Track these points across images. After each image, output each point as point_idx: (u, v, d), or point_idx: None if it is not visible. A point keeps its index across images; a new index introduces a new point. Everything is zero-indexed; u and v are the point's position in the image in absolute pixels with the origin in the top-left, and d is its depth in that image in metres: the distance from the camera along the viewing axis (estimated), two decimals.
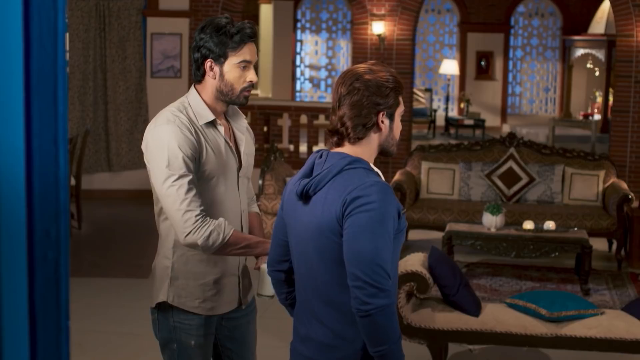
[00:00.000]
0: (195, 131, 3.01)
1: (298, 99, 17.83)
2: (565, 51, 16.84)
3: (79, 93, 10.12)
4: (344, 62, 18.23)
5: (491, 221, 7.03)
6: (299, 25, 18.18)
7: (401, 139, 9.76)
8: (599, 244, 8.11)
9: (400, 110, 2.54)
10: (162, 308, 3.13)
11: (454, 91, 18.16)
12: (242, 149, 3.17)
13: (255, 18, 17.37)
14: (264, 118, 11.16)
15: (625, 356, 4.98)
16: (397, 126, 2.55)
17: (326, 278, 2.48)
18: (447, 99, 17.53)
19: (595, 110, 15.48)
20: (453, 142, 10.92)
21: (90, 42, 10.16)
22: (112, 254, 7.97)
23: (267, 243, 3.04)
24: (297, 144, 11.21)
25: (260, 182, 7.83)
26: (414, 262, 4.89)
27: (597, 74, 16.48)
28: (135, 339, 5.62)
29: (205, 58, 3.04)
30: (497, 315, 4.79)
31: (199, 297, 3.09)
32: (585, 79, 17.59)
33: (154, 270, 3.18)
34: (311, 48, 18.36)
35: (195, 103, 3.06)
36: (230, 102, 3.10)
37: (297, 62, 18.26)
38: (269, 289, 3.11)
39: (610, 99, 13.74)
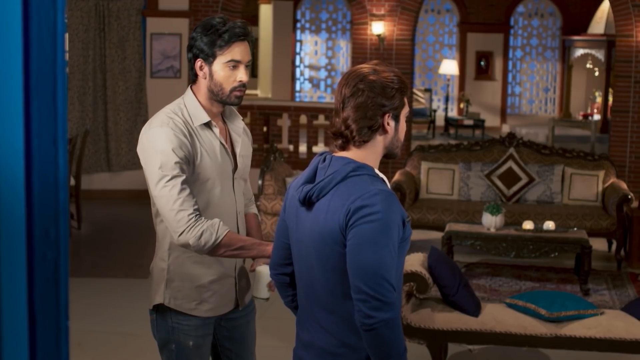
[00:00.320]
0: (190, 133, 2.99)
1: (298, 99, 17.83)
2: (565, 51, 16.84)
3: (79, 93, 10.12)
4: (343, 62, 18.23)
5: (491, 221, 7.03)
6: (298, 25, 18.18)
7: None
8: (599, 244, 8.11)
9: (405, 111, 2.46)
10: (160, 309, 3.12)
11: (454, 91, 18.17)
12: (237, 150, 3.15)
13: (254, 18, 17.37)
14: (264, 118, 11.17)
15: (625, 356, 4.98)
16: (402, 128, 2.47)
17: (328, 287, 2.42)
18: (446, 99, 17.53)
19: (595, 111, 15.49)
20: (453, 142, 10.92)
21: (90, 42, 10.16)
22: (112, 254, 7.97)
23: (263, 245, 3.01)
24: (297, 144, 11.22)
25: (259, 182, 7.83)
26: (414, 262, 4.89)
27: (596, 74, 16.49)
28: (135, 339, 5.62)
29: (196, 58, 3.03)
30: (496, 316, 4.79)
31: (196, 299, 3.09)
32: (584, 79, 17.59)
33: (152, 272, 3.18)
34: (311, 48, 18.36)
35: (191, 104, 3.05)
36: (222, 102, 3.07)
37: (297, 62, 18.26)
38: (264, 291, 3.09)
39: (610, 99, 13.74)
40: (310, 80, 18.42)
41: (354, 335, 2.40)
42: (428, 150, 8.69)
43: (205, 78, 3.03)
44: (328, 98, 18.27)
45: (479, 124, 16.46)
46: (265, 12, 17.21)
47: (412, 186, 8.27)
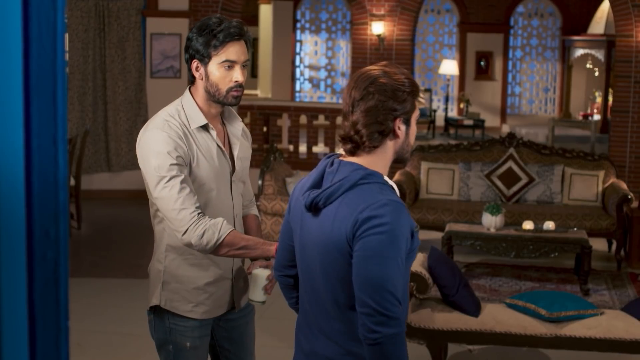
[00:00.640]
0: (186, 136, 2.98)
1: (297, 99, 17.83)
2: (565, 51, 16.84)
3: (79, 93, 10.12)
4: (343, 62, 18.23)
5: (491, 221, 7.03)
6: (298, 25, 18.18)
7: None
8: (599, 244, 8.11)
9: (416, 115, 2.37)
10: (158, 310, 3.12)
11: (454, 91, 18.17)
12: (235, 153, 3.13)
13: (254, 18, 17.37)
14: (264, 118, 11.17)
15: (625, 356, 4.98)
16: (413, 132, 2.39)
17: (331, 296, 2.35)
18: (446, 99, 17.53)
19: (595, 111, 15.49)
20: (452, 142, 10.92)
21: (90, 42, 10.16)
22: (112, 254, 7.97)
23: (267, 245, 2.99)
24: (297, 144, 11.22)
25: (259, 182, 7.83)
26: (414, 262, 4.89)
27: (596, 74, 16.49)
28: (135, 339, 5.62)
29: (192, 58, 3.01)
30: (496, 316, 4.79)
31: (192, 302, 3.08)
32: (584, 79, 17.59)
33: (149, 273, 3.18)
34: (311, 48, 18.36)
35: (188, 106, 3.03)
36: (219, 102, 3.04)
37: (297, 62, 18.26)
38: (260, 295, 3.07)
39: (610, 99, 13.74)
40: (310, 80, 18.42)
41: (359, 343, 2.33)
42: (428, 150, 8.69)
43: (202, 79, 3.02)
44: (328, 98, 18.28)
45: (479, 124, 16.46)
46: (265, 12, 17.21)
47: (412, 186, 8.27)
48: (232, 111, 3.20)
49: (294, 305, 2.65)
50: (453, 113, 18.01)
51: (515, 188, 8.31)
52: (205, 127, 3.04)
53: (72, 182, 8.59)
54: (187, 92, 3.08)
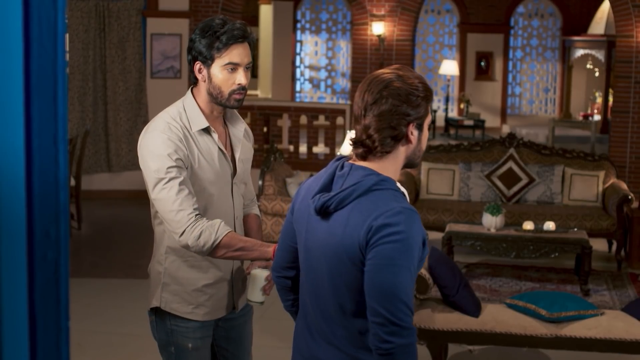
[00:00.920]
0: (187, 139, 2.96)
1: (298, 100, 17.83)
2: (565, 52, 16.84)
3: (79, 93, 10.12)
4: (343, 62, 18.23)
5: (491, 222, 7.03)
6: (298, 25, 18.18)
7: None
8: (599, 245, 8.11)
9: (428, 120, 2.32)
10: (159, 311, 3.12)
11: (454, 92, 18.17)
12: (237, 155, 3.11)
13: (255, 18, 17.37)
14: (264, 118, 11.17)
15: (625, 356, 4.98)
16: (425, 137, 2.35)
17: (338, 302, 2.31)
18: (446, 100, 17.53)
19: (595, 111, 15.49)
20: (453, 142, 10.92)
21: (90, 42, 10.16)
22: (112, 254, 7.97)
23: (265, 246, 2.95)
24: (297, 144, 11.22)
25: (260, 182, 7.83)
26: None
27: (596, 74, 16.49)
28: (135, 339, 5.62)
29: (195, 60, 2.99)
30: (496, 316, 4.79)
31: (192, 303, 3.07)
32: (585, 79, 17.59)
33: (150, 273, 3.17)
34: (311, 49, 18.36)
35: (190, 108, 3.01)
36: (222, 105, 3.02)
37: (297, 62, 18.27)
38: (258, 295, 3.05)
39: (610, 99, 13.74)
40: (311, 80, 18.42)
41: (364, 351, 2.31)
42: (428, 151, 8.69)
43: (205, 81, 2.99)
44: (328, 98, 18.29)
45: (479, 124, 16.46)
46: (266, 13, 17.21)
47: (412, 186, 8.27)
48: (234, 112, 3.17)
49: (289, 308, 2.62)
50: (453, 113, 18.01)
51: (515, 188, 8.31)
52: (206, 130, 3.02)
53: (73, 182, 8.60)
54: (189, 93, 3.06)
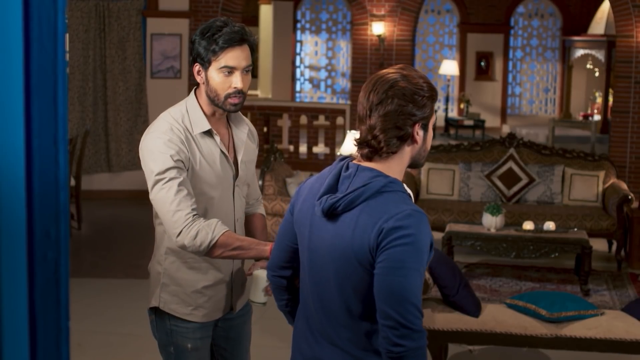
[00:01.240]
0: (189, 141, 2.95)
1: (298, 100, 17.83)
2: (565, 52, 16.84)
3: (79, 93, 10.12)
4: (343, 62, 18.23)
5: (491, 222, 7.03)
6: (298, 25, 18.18)
7: None
8: (599, 245, 8.11)
9: (433, 120, 2.32)
10: (158, 310, 3.11)
11: (454, 92, 18.17)
12: (240, 157, 3.10)
13: (255, 18, 17.38)
14: (264, 118, 11.17)
15: (625, 357, 4.98)
16: (430, 137, 2.34)
17: (344, 305, 2.30)
18: (446, 100, 17.53)
19: (595, 111, 15.49)
20: (453, 142, 10.92)
21: (90, 42, 10.16)
22: (112, 254, 7.97)
23: (262, 245, 2.93)
24: (297, 144, 11.22)
25: (260, 182, 7.84)
26: None
27: (596, 74, 16.49)
28: (135, 339, 5.62)
29: (194, 62, 2.98)
30: (497, 316, 4.79)
31: (191, 305, 3.07)
32: (585, 79, 17.59)
33: (150, 272, 3.17)
34: (311, 49, 18.36)
35: (192, 110, 3.00)
36: (219, 108, 2.99)
37: (297, 62, 18.27)
38: (260, 296, 3.04)
39: (610, 99, 13.74)
40: (311, 80, 18.42)
41: (370, 353, 2.30)
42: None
43: (203, 83, 2.98)
44: (328, 98, 18.29)
45: (479, 124, 16.46)
46: (266, 13, 17.21)
47: (412, 186, 8.27)
48: (238, 113, 3.14)
49: (283, 308, 2.62)
50: (453, 113, 18.01)
51: (515, 188, 8.31)
52: (208, 132, 3.01)
53: (73, 182, 8.60)
54: (192, 94, 3.05)
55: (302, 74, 18.38)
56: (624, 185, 8.11)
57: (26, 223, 1.22)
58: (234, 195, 3.10)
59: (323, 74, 18.40)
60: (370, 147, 2.26)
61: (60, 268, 1.25)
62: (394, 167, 2.30)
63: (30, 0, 1.19)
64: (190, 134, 2.97)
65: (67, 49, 9.93)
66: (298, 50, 18.25)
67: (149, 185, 2.92)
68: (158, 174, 2.89)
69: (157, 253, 3.11)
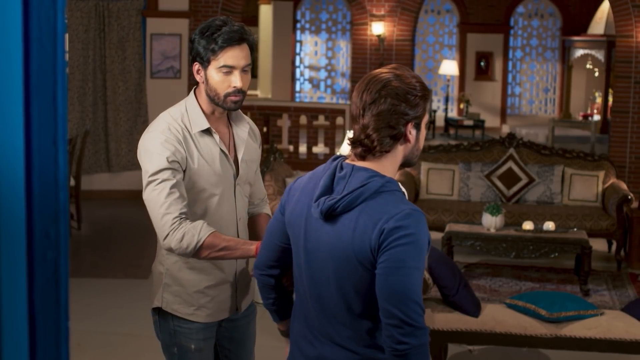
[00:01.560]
0: (187, 140, 2.95)
1: (297, 100, 17.83)
2: (565, 52, 16.84)
3: (79, 93, 10.12)
4: (343, 62, 18.23)
5: (491, 222, 7.03)
6: (298, 25, 18.18)
7: None
8: (599, 245, 8.11)
9: (426, 119, 2.34)
10: (162, 311, 3.11)
11: (454, 92, 18.17)
12: (240, 156, 3.09)
13: (254, 18, 17.38)
14: (264, 118, 11.17)
15: (625, 357, 4.98)
16: (423, 136, 2.35)
17: (344, 304, 2.32)
18: (446, 100, 17.53)
19: (595, 111, 15.49)
20: (452, 142, 10.92)
21: (90, 42, 10.16)
22: (112, 254, 7.97)
23: (248, 244, 2.92)
24: (297, 144, 11.22)
25: None
26: None
27: (596, 74, 16.49)
28: (135, 339, 5.62)
29: (194, 61, 2.99)
30: (496, 316, 4.79)
31: (193, 305, 3.06)
32: (584, 79, 17.60)
33: (153, 272, 3.17)
34: (311, 49, 18.36)
35: (192, 109, 3.00)
36: (219, 106, 3.00)
37: (297, 62, 18.27)
38: None
39: (610, 99, 13.75)
40: (310, 80, 18.42)
41: (373, 349, 2.33)
42: (428, 151, 8.69)
43: (203, 82, 2.98)
44: (328, 98, 18.28)
45: (479, 124, 16.46)
46: (265, 13, 17.21)
47: (412, 186, 8.27)
48: (239, 112, 3.14)
49: (270, 306, 2.63)
50: (453, 113, 18.01)
51: (515, 188, 8.31)
52: (208, 131, 3.01)
53: (72, 182, 8.60)
54: (192, 94, 3.05)
55: (301, 74, 18.38)
56: (624, 185, 8.11)
57: (26, 223, 1.22)
58: (235, 194, 3.09)
59: (323, 74, 18.40)
60: (363, 146, 2.28)
61: (59, 268, 1.25)
62: (388, 166, 2.31)
63: (30, 0, 1.19)
64: (189, 133, 2.97)
65: (67, 49, 9.93)
66: (298, 50, 18.25)
67: (143, 184, 2.93)
68: (151, 174, 2.89)
69: (159, 253, 3.11)
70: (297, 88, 18.31)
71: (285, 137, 11.86)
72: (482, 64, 18.03)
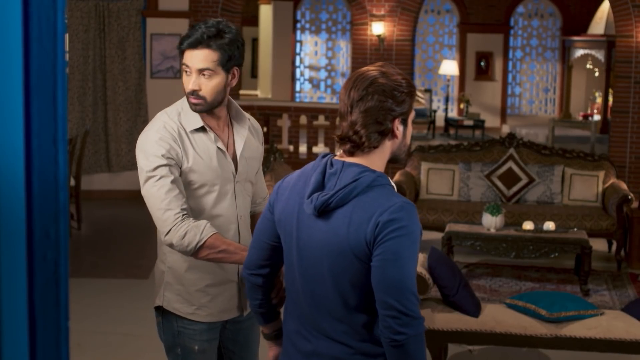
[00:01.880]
0: (182, 139, 2.97)
1: (298, 100, 17.83)
2: (565, 52, 16.84)
3: (79, 93, 10.12)
4: (343, 62, 18.23)
5: (491, 222, 7.03)
6: (298, 25, 18.18)
7: None
8: (599, 245, 8.11)
9: (412, 115, 2.40)
10: (165, 312, 3.11)
11: (454, 92, 18.17)
12: (239, 153, 3.10)
13: (254, 18, 17.38)
14: (264, 118, 11.17)
15: (625, 357, 4.98)
16: (409, 132, 2.41)
17: (340, 299, 2.35)
18: (446, 100, 17.53)
19: (595, 111, 15.49)
20: (453, 142, 10.92)
21: (90, 42, 10.16)
22: (112, 254, 7.97)
23: (247, 251, 2.87)
24: (297, 144, 11.22)
25: None
26: None
27: (596, 74, 16.49)
28: (135, 339, 5.62)
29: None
30: (496, 316, 4.79)
31: (194, 304, 3.06)
32: (584, 79, 17.59)
33: (155, 272, 3.17)
34: (311, 49, 18.36)
35: (187, 108, 3.02)
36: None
37: (297, 62, 18.27)
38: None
39: (610, 99, 13.75)
40: (310, 80, 18.43)
41: (368, 342, 2.36)
42: (428, 151, 8.69)
43: None
44: (328, 98, 18.28)
45: (479, 124, 16.46)
46: (265, 13, 17.21)
47: (412, 186, 8.27)
48: (239, 110, 3.16)
49: (256, 308, 2.64)
50: (453, 113, 18.01)
51: (515, 188, 8.31)
52: (203, 129, 3.02)
53: (72, 182, 8.60)
54: None
55: (301, 74, 18.38)
56: (624, 185, 8.11)
57: (26, 223, 1.22)
58: (236, 192, 3.10)
59: (323, 74, 18.40)
60: (352, 142, 2.33)
61: (59, 268, 1.25)
62: (376, 161, 2.36)
63: (30, 0, 1.19)
64: (185, 131, 2.99)
65: (67, 49, 9.93)
66: (298, 50, 18.25)
67: (141, 180, 2.94)
68: (149, 171, 2.91)
69: (160, 252, 3.11)
70: (297, 88, 18.31)
71: (285, 137, 11.86)
72: (482, 64, 18.03)
